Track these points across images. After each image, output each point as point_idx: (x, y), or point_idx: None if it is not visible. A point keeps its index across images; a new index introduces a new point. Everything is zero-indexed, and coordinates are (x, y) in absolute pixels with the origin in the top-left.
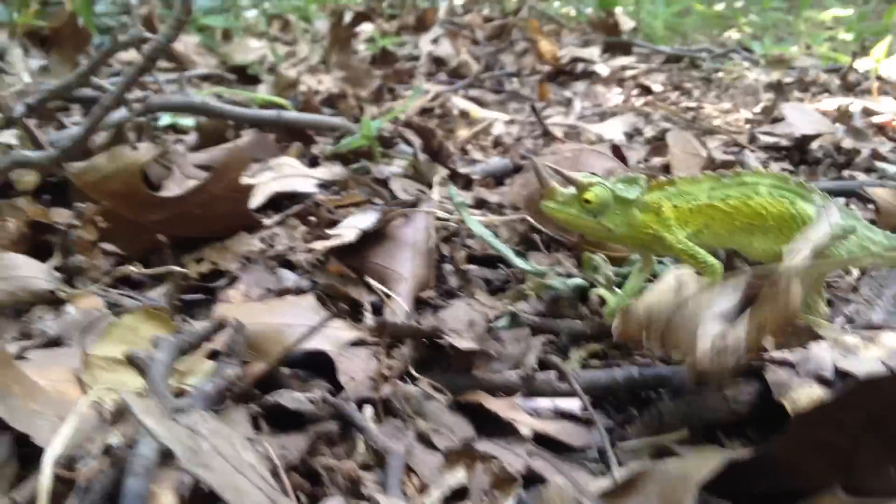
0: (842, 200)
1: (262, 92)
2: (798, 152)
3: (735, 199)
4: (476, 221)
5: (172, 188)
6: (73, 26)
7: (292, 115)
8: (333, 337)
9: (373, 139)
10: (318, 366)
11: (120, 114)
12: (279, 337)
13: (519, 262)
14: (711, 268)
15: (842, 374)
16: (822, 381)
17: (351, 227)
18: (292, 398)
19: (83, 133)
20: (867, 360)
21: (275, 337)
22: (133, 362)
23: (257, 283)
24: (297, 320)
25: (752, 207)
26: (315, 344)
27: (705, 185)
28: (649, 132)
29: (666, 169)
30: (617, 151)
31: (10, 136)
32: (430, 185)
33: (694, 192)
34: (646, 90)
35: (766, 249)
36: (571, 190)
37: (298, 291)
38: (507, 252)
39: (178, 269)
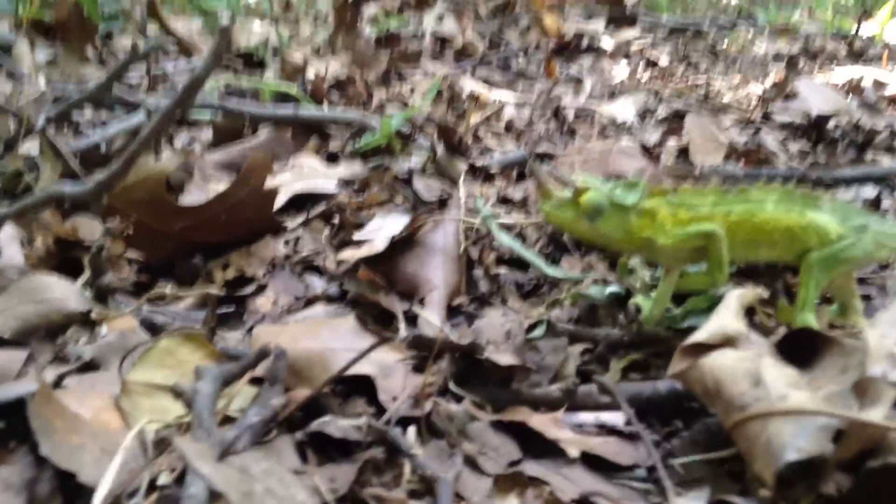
0: (869, 187)
1: (269, 78)
2: (815, 131)
3: (739, 214)
4: (505, 235)
5: (194, 192)
6: (79, 18)
7: (308, 111)
8: (374, 360)
9: (392, 136)
10: (357, 381)
11: (138, 118)
12: (322, 362)
13: (552, 270)
14: (712, 235)
15: None
16: None
17: (378, 232)
18: (337, 426)
19: (122, 167)
20: None
21: (318, 362)
22: (179, 395)
23: (285, 291)
24: (339, 344)
25: (756, 224)
26: (357, 369)
27: (709, 199)
28: (662, 112)
29: (684, 153)
30: (646, 151)
31: (30, 147)
32: (452, 181)
33: (696, 204)
34: (652, 64)
35: (774, 259)
36: (568, 193)
37: (328, 299)
38: (539, 262)
39: (213, 291)
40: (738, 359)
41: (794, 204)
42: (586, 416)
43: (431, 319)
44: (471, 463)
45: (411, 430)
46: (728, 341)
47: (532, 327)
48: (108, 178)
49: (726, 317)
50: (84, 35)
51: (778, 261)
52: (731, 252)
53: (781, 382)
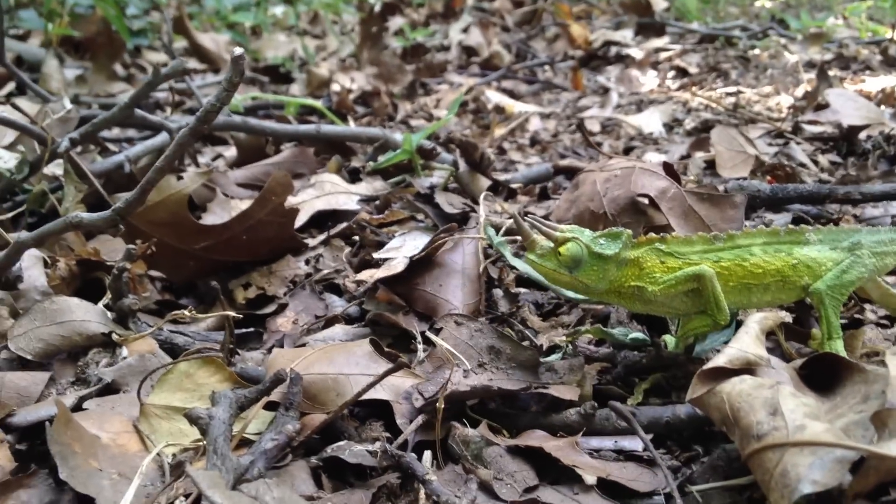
0: None
1: (295, 91)
2: (845, 143)
3: (728, 261)
4: (520, 261)
5: (217, 211)
6: (107, 34)
7: (331, 128)
8: (391, 383)
9: (413, 153)
10: (375, 404)
11: (161, 138)
12: (337, 387)
13: (576, 296)
14: (702, 275)
15: None
16: None
17: (397, 250)
18: (352, 452)
19: (138, 195)
20: None
21: (333, 387)
22: (194, 421)
23: (305, 310)
24: (354, 369)
25: (747, 269)
26: (372, 394)
27: (698, 247)
28: (689, 123)
29: (710, 166)
30: (669, 169)
31: (55, 167)
32: (474, 199)
33: (685, 252)
34: (682, 73)
35: (769, 302)
36: (550, 244)
37: (347, 319)
38: (562, 290)
39: (231, 314)
40: (755, 386)
41: (780, 245)
42: (605, 441)
43: (448, 343)
44: (486, 489)
45: (427, 454)
46: (747, 366)
47: (550, 350)
48: (125, 205)
49: (746, 341)
50: (112, 51)
51: (774, 304)
52: (727, 299)
53: (799, 412)
